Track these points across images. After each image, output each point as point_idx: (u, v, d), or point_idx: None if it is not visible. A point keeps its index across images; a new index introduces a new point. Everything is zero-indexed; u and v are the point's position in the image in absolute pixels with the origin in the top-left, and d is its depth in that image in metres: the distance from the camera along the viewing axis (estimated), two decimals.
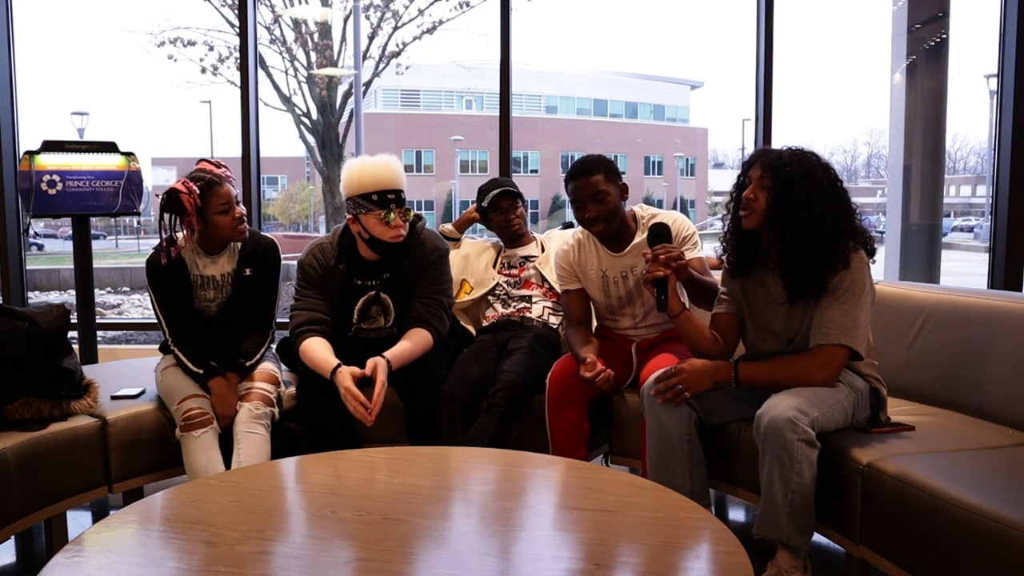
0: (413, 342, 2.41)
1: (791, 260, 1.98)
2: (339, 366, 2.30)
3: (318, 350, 2.37)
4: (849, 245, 1.97)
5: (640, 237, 2.42)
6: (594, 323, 2.63)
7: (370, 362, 2.30)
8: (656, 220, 2.43)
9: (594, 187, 2.33)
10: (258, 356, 2.42)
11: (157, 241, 2.38)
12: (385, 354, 2.34)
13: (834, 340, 1.95)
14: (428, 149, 26.72)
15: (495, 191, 2.87)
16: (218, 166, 2.39)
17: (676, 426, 2.09)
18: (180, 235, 2.33)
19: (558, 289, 2.80)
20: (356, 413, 2.24)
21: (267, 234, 2.54)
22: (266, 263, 2.46)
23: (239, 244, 2.45)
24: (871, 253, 2.01)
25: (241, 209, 2.37)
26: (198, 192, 2.29)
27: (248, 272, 2.43)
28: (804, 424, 1.84)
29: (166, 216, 2.30)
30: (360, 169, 2.41)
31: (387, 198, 2.38)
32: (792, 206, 1.94)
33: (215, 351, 2.38)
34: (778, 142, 3.71)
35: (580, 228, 2.53)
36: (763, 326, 2.14)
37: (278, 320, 2.55)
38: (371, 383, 2.27)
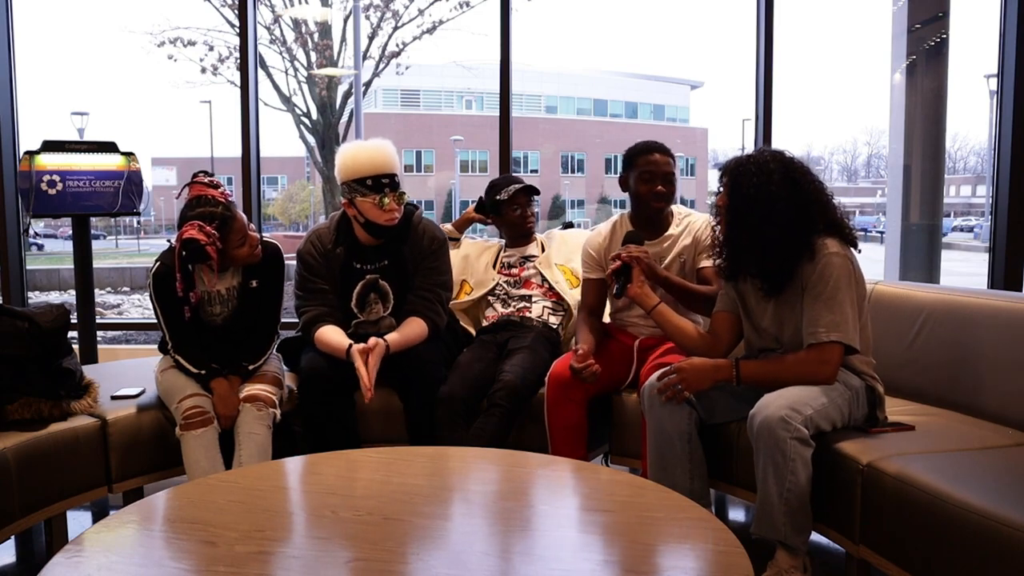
0: (409, 329, 2.46)
1: (754, 255, 2.03)
2: (351, 345, 2.35)
3: (332, 336, 2.42)
4: (815, 237, 1.99)
5: (674, 230, 2.52)
6: (606, 316, 2.67)
7: (372, 340, 2.35)
8: (688, 219, 2.52)
9: (670, 168, 2.45)
10: (262, 360, 2.41)
11: (156, 239, 2.37)
12: (386, 337, 2.39)
13: (824, 338, 1.96)
14: (428, 149, 26.72)
15: (517, 185, 2.87)
16: (215, 185, 2.30)
17: (677, 426, 2.09)
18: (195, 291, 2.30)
19: (555, 290, 2.81)
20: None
21: (268, 236, 2.54)
22: (271, 271, 2.43)
23: None
24: (851, 243, 2.02)
25: (255, 234, 2.35)
26: (217, 235, 2.22)
27: (254, 284, 2.41)
28: (797, 423, 1.84)
29: (189, 266, 2.25)
30: (355, 154, 2.45)
31: (381, 182, 2.41)
32: (743, 202, 2.00)
33: (218, 357, 2.36)
34: (778, 142, 3.72)
35: (621, 213, 2.60)
36: (755, 324, 2.16)
37: (282, 321, 2.54)
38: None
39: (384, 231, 2.47)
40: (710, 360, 2.09)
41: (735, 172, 2.03)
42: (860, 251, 2.06)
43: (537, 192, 2.93)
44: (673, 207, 2.56)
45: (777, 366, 2.04)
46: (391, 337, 2.40)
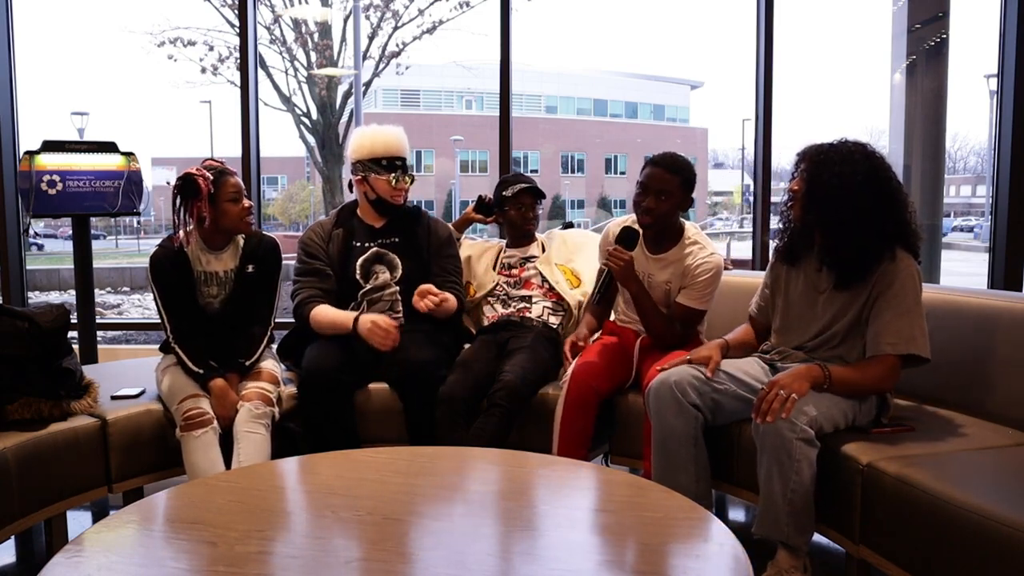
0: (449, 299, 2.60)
1: (832, 245, 2.02)
2: (359, 315, 2.50)
3: (329, 313, 2.56)
4: (895, 240, 2.00)
5: (675, 254, 2.45)
6: (611, 315, 2.68)
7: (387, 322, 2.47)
8: (693, 248, 2.44)
9: (666, 184, 2.36)
10: (257, 354, 2.42)
11: (157, 240, 2.41)
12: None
13: (903, 351, 1.96)
14: (428, 149, 26.72)
15: (522, 185, 2.88)
16: (223, 164, 2.46)
17: (682, 428, 2.08)
18: (186, 233, 2.36)
19: (555, 290, 2.81)
20: (383, 340, 2.43)
21: (268, 234, 2.56)
22: (268, 261, 2.49)
23: (242, 241, 2.47)
24: (915, 253, 2.03)
25: (250, 202, 2.42)
26: (211, 179, 2.34)
27: (251, 269, 2.46)
28: (802, 423, 1.84)
29: (179, 200, 2.36)
30: (373, 136, 2.68)
31: (395, 164, 2.66)
32: (825, 194, 1.98)
33: (216, 348, 2.38)
34: (778, 142, 3.72)
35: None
36: (795, 315, 2.17)
37: (278, 320, 2.55)
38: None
39: (391, 209, 2.68)
40: (801, 365, 2.01)
41: (813, 159, 2.02)
42: (920, 262, 2.06)
43: (542, 195, 2.93)
44: (689, 226, 2.49)
45: (859, 374, 2.00)
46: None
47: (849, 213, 1.97)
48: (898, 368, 1.99)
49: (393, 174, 2.63)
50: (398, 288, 2.63)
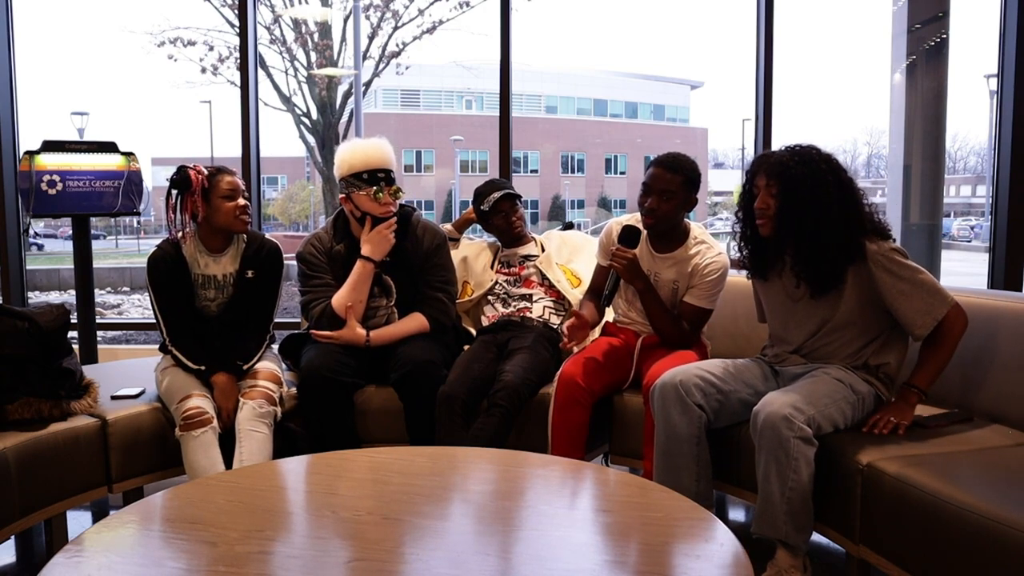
0: (404, 323, 2.58)
1: (805, 258, 2.02)
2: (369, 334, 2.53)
3: (344, 288, 2.52)
4: (863, 237, 2.00)
5: (682, 253, 2.46)
6: (609, 314, 2.65)
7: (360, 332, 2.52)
8: (700, 247, 2.46)
9: (668, 184, 2.36)
10: (255, 359, 2.42)
11: (157, 240, 2.40)
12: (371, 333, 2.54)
13: (940, 314, 1.97)
14: (428, 149, 26.74)
15: (496, 194, 2.86)
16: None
17: (686, 428, 2.08)
18: (181, 227, 2.36)
19: (556, 289, 2.81)
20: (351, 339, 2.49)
21: (270, 236, 2.55)
22: (268, 266, 2.47)
23: (242, 245, 2.46)
24: (886, 237, 2.03)
25: (246, 201, 2.40)
26: (206, 174, 2.35)
27: (250, 274, 2.44)
28: (800, 421, 1.84)
29: (173, 194, 2.36)
30: (352, 150, 2.56)
31: (377, 176, 2.52)
32: (800, 207, 1.99)
33: (213, 352, 2.38)
34: (778, 142, 3.71)
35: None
36: (784, 321, 2.18)
37: (278, 320, 2.55)
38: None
39: (380, 224, 2.55)
40: (901, 402, 2.02)
41: (782, 176, 2.00)
42: (895, 240, 2.07)
43: (518, 196, 2.91)
44: (695, 226, 2.51)
45: (936, 354, 2.01)
46: (376, 332, 2.54)
47: (824, 224, 1.97)
48: (954, 321, 1.99)
49: (374, 187, 2.50)
50: (395, 310, 2.61)
